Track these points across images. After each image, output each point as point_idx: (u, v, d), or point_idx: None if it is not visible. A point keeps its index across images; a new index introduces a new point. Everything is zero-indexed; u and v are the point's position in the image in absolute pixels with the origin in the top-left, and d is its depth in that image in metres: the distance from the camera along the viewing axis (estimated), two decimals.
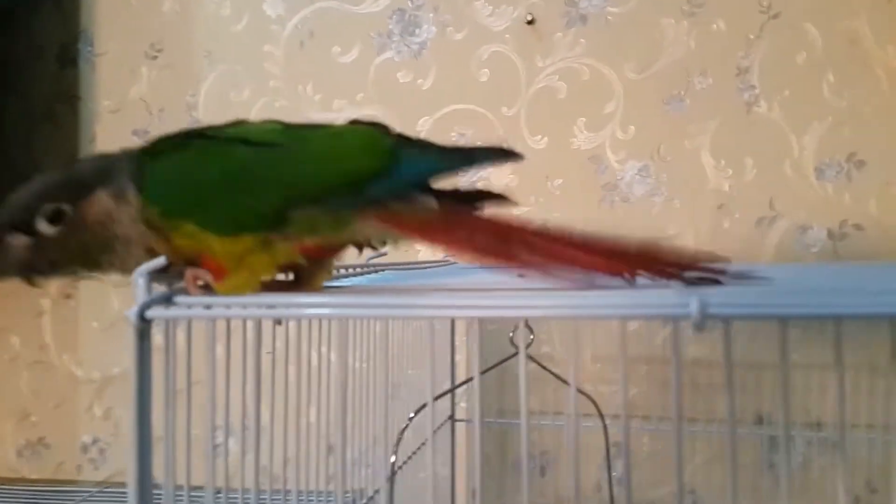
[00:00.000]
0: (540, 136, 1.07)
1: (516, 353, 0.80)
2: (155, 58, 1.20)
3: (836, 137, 0.99)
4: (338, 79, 1.15)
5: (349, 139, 0.49)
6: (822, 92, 1.00)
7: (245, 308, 0.39)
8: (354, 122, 0.52)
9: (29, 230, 0.50)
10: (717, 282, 0.44)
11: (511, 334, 0.81)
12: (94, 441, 1.22)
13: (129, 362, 0.38)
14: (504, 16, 1.09)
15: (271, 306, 0.39)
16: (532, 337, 0.80)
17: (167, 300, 0.39)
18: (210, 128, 0.51)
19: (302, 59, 1.16)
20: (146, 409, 0.36)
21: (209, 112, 1.19)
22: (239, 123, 0.51)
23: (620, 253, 0.45)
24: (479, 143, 0.53)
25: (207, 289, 0.44)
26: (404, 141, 0.49)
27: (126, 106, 1.22)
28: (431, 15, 1.12)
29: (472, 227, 0.48)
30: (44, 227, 0.49)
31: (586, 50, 1.06)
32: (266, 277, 0.48)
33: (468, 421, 1.00)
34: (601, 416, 0.84)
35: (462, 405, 1.03)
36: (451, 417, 0.98)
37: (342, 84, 1.14)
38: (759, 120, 1.02)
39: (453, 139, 1.10)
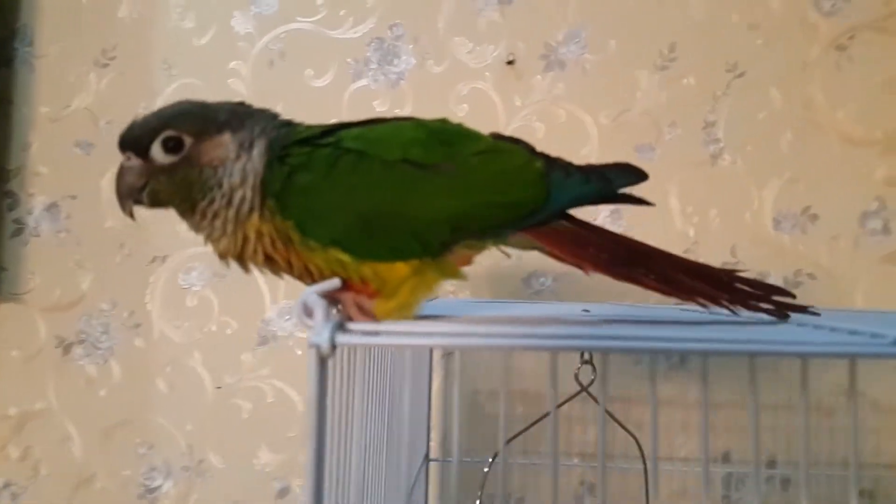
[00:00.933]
0: None
1: (581, 391, 0.81)
2: (106, 65, 1.14)
3: (792, 191, 1.09)
4: (310, 102, 1.13)
5: (508, 163, 0.49)
6: (780, 149, 1.10)
7: (430, 337, 0.38)
8: (497, 137, 0.52)
9: (143, 153, 0.48)
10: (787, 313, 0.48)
11: (576, 372, 0.81)
12: (6, 485, 1.11)
13: (310, 391, 0.35)
14: (485, 54, 1.12)
15: (461, 334, 0.38)
16: (594, 377, 0.81)
17: (341, 326, 0.37)
18: (349, 129, 0.48)
19: (271, 78, 1.14)
20: (323, 441, 0.34)
21: None
22: (375, 123, 0.49)
23: (718, 281, 0.48)
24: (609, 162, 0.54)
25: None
26: (550, 162, 0.50)
27: (68, 115, 1.14)
28: (411, 46, 1.13)
29: (604, 242, 0.50)
30: (158, 153, 0.48)
31: (564, 94, 1.11)
32: (424, 299, 0.47)
33: (444, 460, 0.99)
34: (643, 457, 0.86)
35: (432, 443, 1.02)
36: (427, 457, 0.98)
37: (314, 107, 1.13)
38: (724, 171, 1.10)
39: None
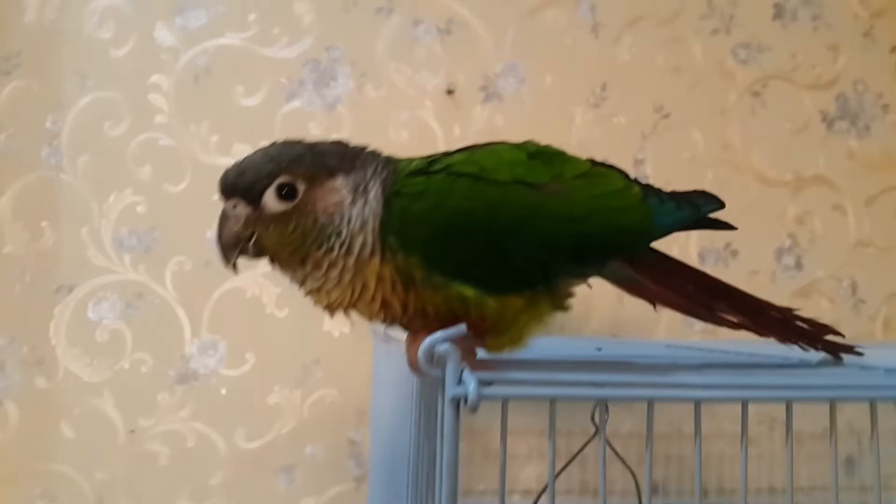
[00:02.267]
0: None
1: (596, 433, 0.81)
2: (9, 73, 1.06)
3: None
4: (239, 121, 1.10)
5: (610, 187, 0.50)
6: (703, 187, 1.18)
7: (583, 387, 0.36)
8: (591, 161, 0.52)
9: (254, 201, 0.46)
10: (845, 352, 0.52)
11: (593, 413, 0.82)
12: None
13: (447, 448, 0.34)
14: (424, 82, 1.15)
15: (627, 385, 0.37)
16: (608, 417, 0.82)
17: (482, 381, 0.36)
18: (452, 156, 0.48)
19: (196, 95, 1.10)
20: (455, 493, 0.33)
21: (75, 142, 1.07)
22: (471, 149, 0.49)
23: (783, 319, 0.51)
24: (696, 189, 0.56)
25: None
26: (644, 187, 0.51)
27: None
28: (348, 69, 1.13)
29: (690, 275, 0.52)
30: (271, 201, 0.46)
31: (503, 125, 1.15)
32: (536, 333, 0.46)
33: None
34: (638, 493, 0.88)
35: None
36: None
37: (244, 127, 1.10)
38: None
39: None
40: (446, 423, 0.33)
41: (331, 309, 0.49)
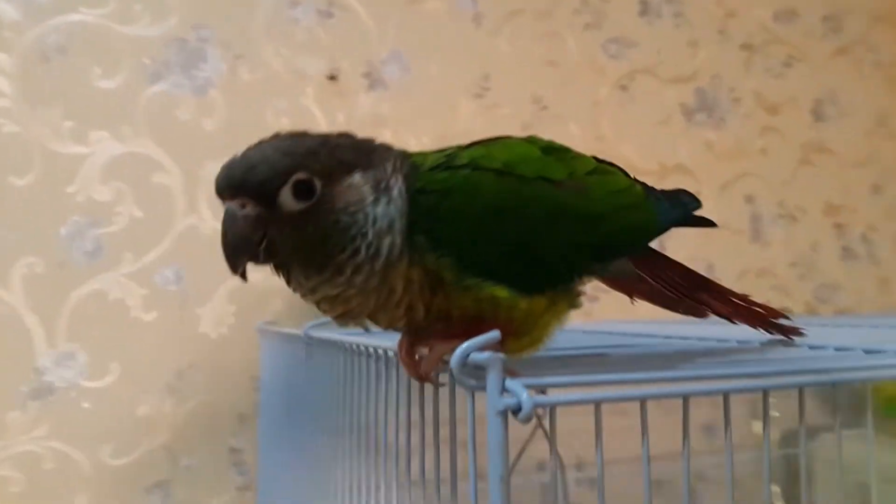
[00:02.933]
0: None
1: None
2: None
3: None
4: (96, 105, 1.01)
5: (618, 185, 0.49)
6: None
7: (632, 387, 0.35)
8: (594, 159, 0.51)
9: (267, 201, 0.41)
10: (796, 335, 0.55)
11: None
12: None
13: (494, 462, 0.32)
14: (305, 66, 1.10)
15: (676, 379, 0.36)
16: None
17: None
18: (469, 149, 0.46)
19: (47, 76, 0.99)
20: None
21: None
22: (489, 146, 0.47)
23: (750, 308, 0.54)
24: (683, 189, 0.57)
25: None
26: (643, 186, 0.51)
27: None
28: (220, 51, 1.07)
29: (678, 269, 0.53)
30: (287, 200, 0.41)
31: (389, 113, 1.13)
32: (555, 333, 0.45)
33: None
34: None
35: None
36: None
37: (102, 112, 1.01)
38: None
39: None
40: (494, 436, 0.31)
41: (344, 318, 0.46)
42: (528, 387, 0.31)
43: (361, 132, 1.13)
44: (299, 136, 0.45)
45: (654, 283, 0.52)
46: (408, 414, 0.47)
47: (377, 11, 1.14)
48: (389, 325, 0.46)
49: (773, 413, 1.25)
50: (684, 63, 1.32)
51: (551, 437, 0.33)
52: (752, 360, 0.52)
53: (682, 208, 0.54)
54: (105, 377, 0.97)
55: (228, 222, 0.43)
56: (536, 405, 0.31)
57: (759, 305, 0.57)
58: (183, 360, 1.01)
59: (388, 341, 0.55)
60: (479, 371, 0.33)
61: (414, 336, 0.46)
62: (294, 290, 0.46)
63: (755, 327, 0.56)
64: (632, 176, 0.54)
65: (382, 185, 0.43)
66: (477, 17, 1.20)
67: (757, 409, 1.12)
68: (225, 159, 1.10)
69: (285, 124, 1.08)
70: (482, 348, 0.33)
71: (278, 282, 1.02)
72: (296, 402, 0.82)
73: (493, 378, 0.32)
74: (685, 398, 0.36)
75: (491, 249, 0.43)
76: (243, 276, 0.45)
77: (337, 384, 0.63)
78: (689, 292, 0.54)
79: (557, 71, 1.24)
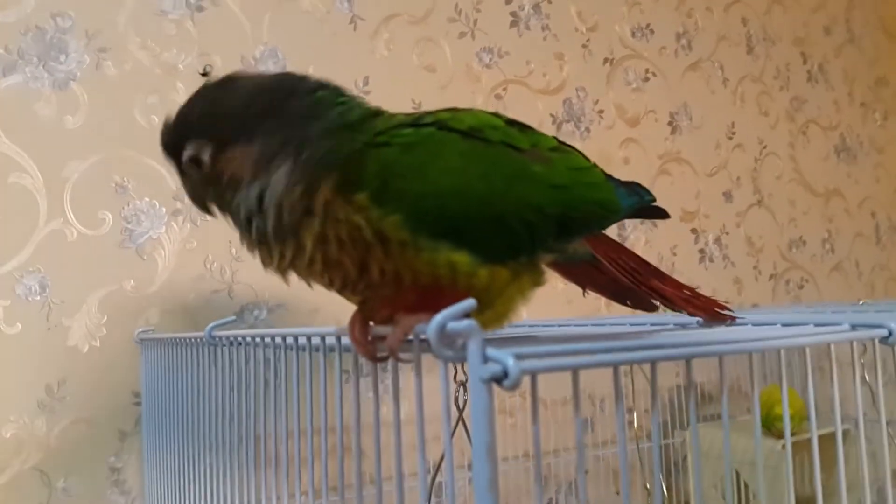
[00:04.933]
0: None
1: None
2: None
3: None
4: None
5: (580, 163, 0.51)
6: None
7: (617, 353, 0.37)
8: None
9: (179, 165, 0.48)
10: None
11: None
12: None
13: (481, 428, 0.33)
14: (175, 61, 1.10)
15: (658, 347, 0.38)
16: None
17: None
18: (436, 113, 0.47)
19: None
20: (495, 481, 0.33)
21: None
22: (455, 112, 0.48)
23: (693, 297, 0.59)
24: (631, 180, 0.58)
25: None
26: (601, 171, 0.54)
27: None
28: (83, 42, 1.04)
29: (627, 253, 0.56)
30: (189, 167, 0.47)
31: None
32: (518, 309, 0.46)
33: None
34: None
35: None
36: None
37: None
38: None
39: (113, 189, 1.03)
40: (479, 406, 0.32)
41: (280, 272, 0.48)
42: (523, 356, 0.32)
43: None
44: (221, 87, 0.46)
45: (609, 267, 0.54)
46: (356, 408, 0.49)
47: (250, 6, 1.16)
48: (323, 284, 0.47)
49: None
50: (552, 75, 1.44)
51: (533, 406, 0.35)
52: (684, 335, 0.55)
53: (639, 198, 0.56)
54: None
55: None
56: (524, 371, 0.32)
57: (705, 297, 0.61)
58: (53, 375, 0.96)
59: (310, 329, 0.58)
60: (451, 341, 0.34)
61: (364, 310, 0.47)
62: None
63: (697, 315, 0.60)
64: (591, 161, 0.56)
65: (264, 164, 0.44)
66: (354, 20, 1.24)
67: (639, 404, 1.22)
68: (90, 158, 1.08)
69: (155, 122, 1.07)
70: (458, 317, 0.34)
71: (152, 291, 1.01)
72: (187, 413, 0.81)
73: (474, 346, 0.32)
74: (653, 363, 0.40)
75: (450, 210, 0.43)
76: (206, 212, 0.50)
77: (244, 386, 0.64)
78: (644, 279, 0.56)
79: (435, 77, 1.31)
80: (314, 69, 1.19)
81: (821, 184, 1.84)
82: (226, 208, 0.47)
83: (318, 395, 0.54)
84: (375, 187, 0.42)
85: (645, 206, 0.57)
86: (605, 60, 1.50)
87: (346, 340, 0.48)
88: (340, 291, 0.47)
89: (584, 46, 1.48)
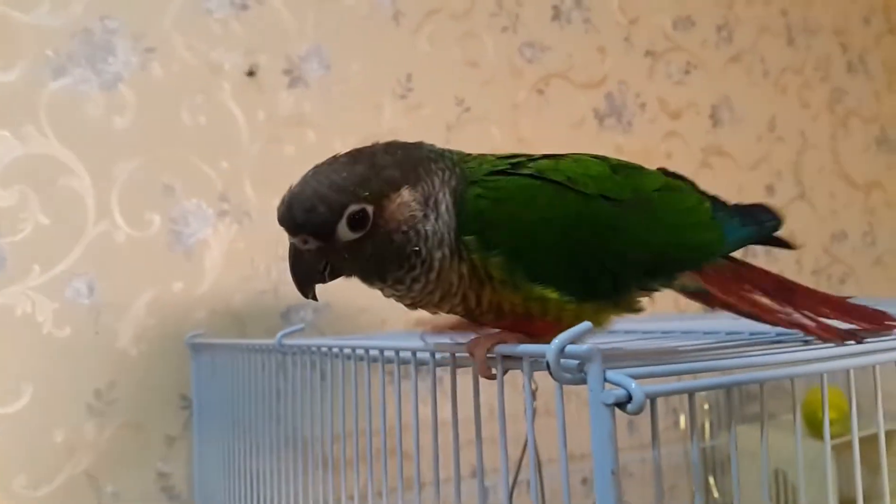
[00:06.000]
0: (268, 196, 1.10)
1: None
2: None
3: None
4: None
5: (685, 202, 0.53)
6: None
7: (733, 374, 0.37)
8: (664, 172, 0.54)
9: (326, 236, 0.47)
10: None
11: None
12: None
13: (604, 453, 0.33)
14: (222, 60, 1.10)
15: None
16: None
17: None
18: (536, 161, 0.50)
19: None
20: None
21: None
22: (559, 158, 0.51)
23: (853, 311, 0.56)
24: (757, 203, 0.60)
25: None
26: (712, 201, 0.54)
27: None
28: (131, 43, 1.04)
29: (757, 277, 0.55)
30: (344, 231, 0.47)
31: (311, 113, 1.15)
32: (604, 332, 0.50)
33: None
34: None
35: None
36: None
37: (0, 109, 0.96)
38: None
39: (160, 190, 1.04)
40: (602, 431, 0.33)
41: (413, 306, 0.52)
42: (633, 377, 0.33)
43: (284, 132, 1.15)
44: (349, 164, 0.49)
45: (726, 300, 0.55)
46: (435, 415, 0.50)
47: (295, 4, 1.16)
48: (451, 311, 0.51)
49: (704, 406, 1.35)
50: (594, 68, 1.43)
51: (653, 431, 0.35)
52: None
53: (757, 227, 0.56)
54: (16, 401, 0.92)
55: (294, 257, 0.50)
56: (648, 395, 0.32)
57: (861, 310, 0.57)
58: (102, 378, 0.97)
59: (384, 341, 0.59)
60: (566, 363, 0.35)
61: (479, 326, 0.52)
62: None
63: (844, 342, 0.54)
64: (703, 191, 0.56)
65: (431, 202, 0.48)
66: (396, 16, 1.24)
67: (684, 404, 1.22)
68: (137, 159, 1.09)
69: (202, 122, 1.07)
70: (576, 340, 0.35)
71: (200, 292, 1.01)
72: (246, 419, 0.82)
73: (595, 369, 0.33)
74: (761, 385, 0.41)
75: (538, 258, 0.47)
76: (314, 297, 0.51)
77: (313, 393, 0.66)
78: (769, 311, 0.55)
79: (478, 72, 1.31)
80: (357, 66, 1.19)
81: (861, 176, 1.82)
82: (382, 264, 0.48)
83: (393, 408, 0.55)
84: (476, 232, 0.47)
85: (766, 235, 0.57)
86: (647, 53, 1.49)
87: (439, 354, 0.51)
88: (463, 316, 0.52)
89: (625, 39, 1.47)
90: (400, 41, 1.24)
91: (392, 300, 0.52)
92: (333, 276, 0.50)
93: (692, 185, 0.56)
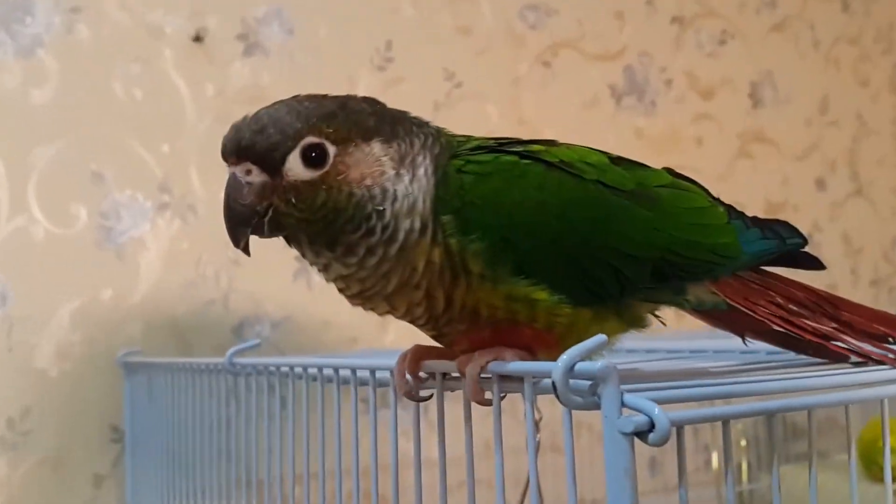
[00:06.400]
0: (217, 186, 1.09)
1: None
2: None
3: None
4: None
5: (695, 202, 0.53)
6: None
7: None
8: (670, 172, 0.54)
9: (273, 167, 0.46)
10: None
11: None
12: None
13: (620, 485, 0.33)
14: (162, 23, 1.09)
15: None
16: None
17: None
18: (527, 144, 0.50)
19: None
20: None
21: None
22: (551, 144, 0.51)
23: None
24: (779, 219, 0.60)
25: None
26: (728, 208, 0.55)
27: None
28: (52, 1, 1.04)
29: (790, 291, 0.55)
30: (296, 166, 0.46)
31: (271, 86, 1.14)
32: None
33: None
34: None
35: None
36: None
37: None
38: None
39: (88, 178, 1.03)
40: (618, 467, 0.32)
41: (360, 298, 0.50)
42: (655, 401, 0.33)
43: (237, 108, 1.13)
44: (316, 98, 0.49)
45: (754, 316, 0.54)
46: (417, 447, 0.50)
47: None
48: (408, 314, 0.50)
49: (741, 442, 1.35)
50: (610, 37, 1.43)
51: (680, 465, 0.35)
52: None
53: (778, 241, 0.56)
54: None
55: (231, 189, 0.48)
56: (674, 423, 0.32)
57: None
58: (15, 404, 0.97)
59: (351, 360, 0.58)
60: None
61: (438, 339, 0.51)
62: (310, 263, 0.51)
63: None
64: (716, 198, 0.57)
65: (407, 161, 0.47)
66: None
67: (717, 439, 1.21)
68: (60, 141, 1.09)
69: (138, 96, 1.07)
70: (588, 356, 0.34)
71: (134, 301, 1.00)
72: (187, 451, 0.81)
73: (610, 391, 0.33)
74: (809, 411, 0.41)
75: (526, 246, 0.47)
76: (245, 250, 0.49)
77: (271, 423, 0.66)
78: (808, 326, 0.54)
79: (471, 40, 1.30)
80: (325, 32, 1.18)
81: None
82: (334, 222, 0.47)
83: (367, 431, 0.54)
84: (455, 210, 0.47)
85: (787, 252, 0.57)
86: (674, 20, 1.49)
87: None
88: (423, 325, 0.51)
89: (648, 3, 1.47)
90: (377, 3, 1.23)
91: (354, 306, 0.51)
92: (273, 229, 0.48)
93: (704, 189, 0.56)
